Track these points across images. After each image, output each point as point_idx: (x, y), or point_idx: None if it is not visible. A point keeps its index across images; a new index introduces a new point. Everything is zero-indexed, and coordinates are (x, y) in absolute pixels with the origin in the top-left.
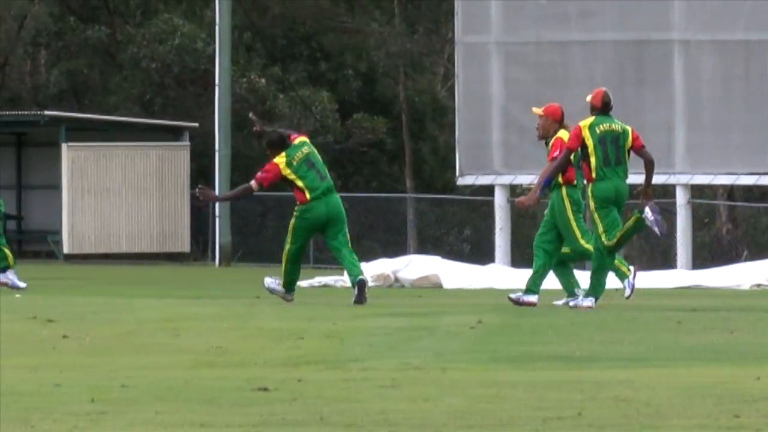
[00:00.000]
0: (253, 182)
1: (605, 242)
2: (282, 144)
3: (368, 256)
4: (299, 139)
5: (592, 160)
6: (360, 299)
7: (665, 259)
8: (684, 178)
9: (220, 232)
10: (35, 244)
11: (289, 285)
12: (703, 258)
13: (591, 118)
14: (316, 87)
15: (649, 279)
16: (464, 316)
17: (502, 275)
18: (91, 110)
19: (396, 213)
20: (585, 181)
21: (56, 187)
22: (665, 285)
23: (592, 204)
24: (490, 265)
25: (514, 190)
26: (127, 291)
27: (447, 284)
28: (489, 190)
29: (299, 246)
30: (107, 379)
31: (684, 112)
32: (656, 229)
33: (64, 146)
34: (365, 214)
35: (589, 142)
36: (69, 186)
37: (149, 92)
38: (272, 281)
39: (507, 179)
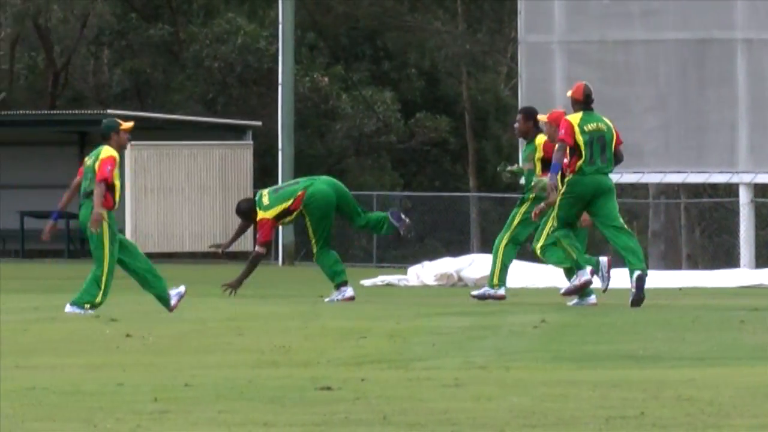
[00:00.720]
0: (258, 248)
1: (538, 246)
2: (253, 205)
3: (431, 255)
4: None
5: (579, 158)
6: (402, 224)
7: (728, 258)
8: (747, 177)
9: (283, 232)
10: None
11: (339, 278)
12: (766, 257)
13: (578, 115)
14: (378, 86)
15: (712, 278)
16: (527, 315)
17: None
18: (154, 109)
19: (459, 212)
20: (569, 172)
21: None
22: (728, 284)
23: (562, 190)
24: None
25: None
26: (190, 290)
27: (510, 283)
28: None
29: (325, 238)
30: (170, 378)
31: (747, 112)
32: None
33: (127, 146)
34: (428, 213)
35: (580, 141)
36: (132, 185)
37: (212, 91)
38: (335, 295)
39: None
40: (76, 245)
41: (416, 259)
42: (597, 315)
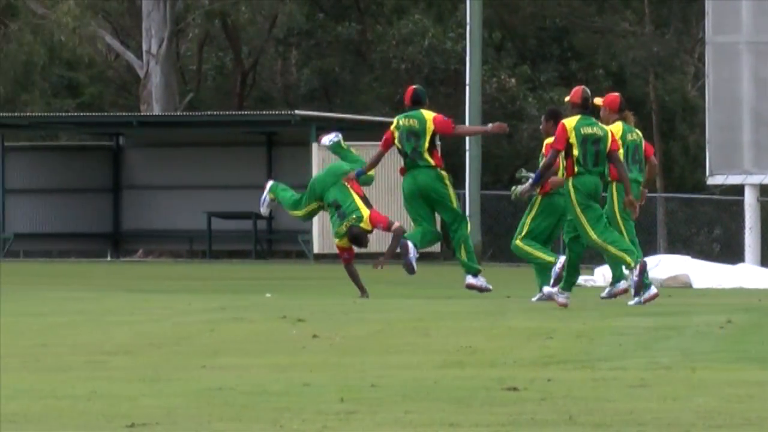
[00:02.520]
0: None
1: (594, 237)
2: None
3: None
4: None
5: (575, 156)
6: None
7: None
8: None
9: (471, 232)
10: (285, 244)
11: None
12: None
13: (575, 118)
14: (565, 87)
15: None
16: (714, 316)
17: (753, 275)
18: (342, 110)
19: (646, 213)
20: (566, 175)
21: (306, 186)
22: None
23: (573, 198)
24: (740, 265)
25: (765, 190)
26: (377, 290)
27: (697, 284)
28: (739, 189)
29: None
30: (357, 379)
31: None
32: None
33: (314, 146)
34: None
35: (573, 141)
36: None
37: (399, 92)
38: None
39: (757, 179)
40: (262, 245)
41: (603, 260)
42: None
